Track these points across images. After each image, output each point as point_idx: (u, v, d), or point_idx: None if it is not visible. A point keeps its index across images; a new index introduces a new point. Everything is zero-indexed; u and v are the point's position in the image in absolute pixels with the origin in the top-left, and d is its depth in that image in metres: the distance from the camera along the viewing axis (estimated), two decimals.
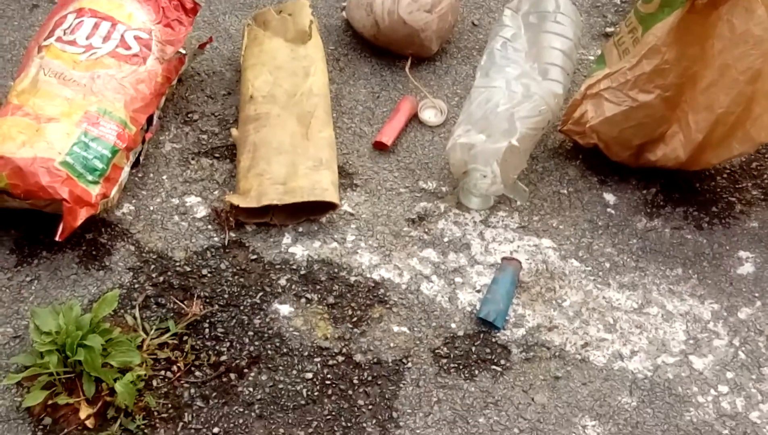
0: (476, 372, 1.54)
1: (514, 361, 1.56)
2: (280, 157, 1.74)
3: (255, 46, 1.92)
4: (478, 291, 1.64)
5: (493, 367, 1.55)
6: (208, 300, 1.60)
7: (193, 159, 1.83)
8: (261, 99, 1.82)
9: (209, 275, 1.64)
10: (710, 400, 1.52)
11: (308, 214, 1.73)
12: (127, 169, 1.72)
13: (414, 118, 1.92)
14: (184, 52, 1.89)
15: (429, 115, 1.93)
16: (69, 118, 1.66)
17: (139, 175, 1.78)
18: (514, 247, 1.71)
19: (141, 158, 1.78)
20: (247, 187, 1.72)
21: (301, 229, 1.73)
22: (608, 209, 1.79)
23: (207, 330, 1.57)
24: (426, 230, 1.74)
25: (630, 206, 1.80)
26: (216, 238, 1.70)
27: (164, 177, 1.79)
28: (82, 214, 1.60)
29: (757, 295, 1.67)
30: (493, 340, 1.58)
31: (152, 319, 1.57)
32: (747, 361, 1.57)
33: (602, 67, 1.79)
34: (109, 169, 1.65)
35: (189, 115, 1.90)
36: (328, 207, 1.72)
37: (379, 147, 1.86)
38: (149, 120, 1.78)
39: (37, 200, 1.60)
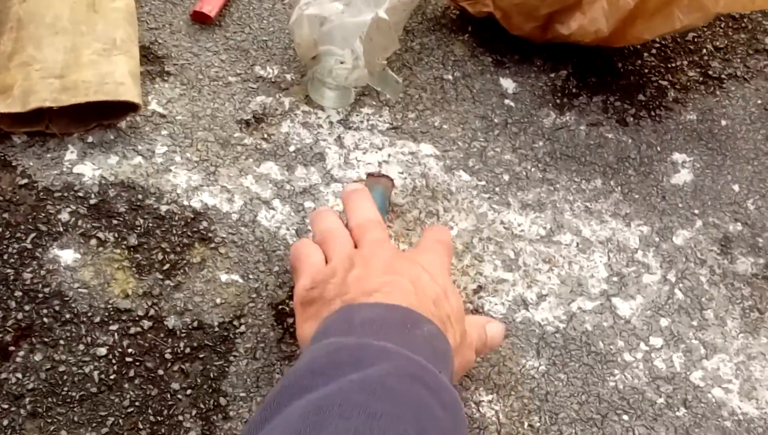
0: None
1: None
2: (55, 38, 1.23)
3: None
4: None
5: None
6: None
7: None
8: None
9: None
10: (640, 357, 1.17)
11: (100, 117, 1.25)
12: None
13: None
14: None
15: None
16: None
17: None
18: (383, 157, 1.28)
19: None
20: (8, 82, 1.21)
21: (91, 139, 1.24)
22: (506, 101, 1.36)
23: None
24: (265, 136, 1.28)
25: (534, 96, 1.37)
26: None
27: None
28: None
29: (696, 211, 1.30)
30: None
31: None
32: (686, 302, 1.22)
33: None
34: None
35: None
36: (127, 108, 1.24)
37: (200, 19, 1.36)
38: None
39: None
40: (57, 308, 1.12)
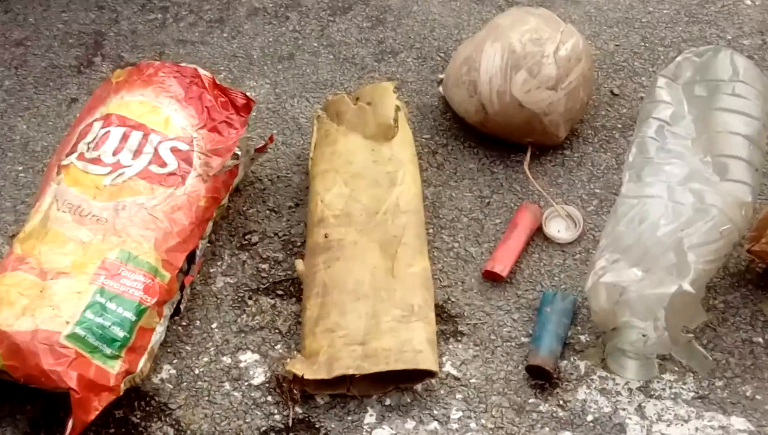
0: None
1: None
2: (357, 304, 1.30)
3: (326, 145, 1.48)
4: None
5: None
6: None
7: (250, 298, 1.41)
8: (333, 220, 1.39)
9: None
10: None
11: (398, 380, 1.28)
12: (160, 328, 1.32)
13: (538, 233, 1.43)
14: (238, 154, 1.47)
15: (557, 229, 1.43)
16: (82, 270, 1.28)
17: (183, 322, 1.38)
18: (690, 430, 1.19)
19: (182, 306, 1.38)
20: (314, 347, 1.28)
21: (389, 402, 1.28)
22: None
23: None
24: (561, 402, 1.25)
25: None
26: (278, 416, 1.27)
27: (214, 325, 1.38)
28: (97, 405, 1.20)
29: None
30: None
31: None
32: None
33: None
34: (133, 337, 1.25)
35: (247, 237, 1.49)
36: (424, 373, 1.26)
37: (491, 277, 1.38)
38: (190, 258, 1.38)
39: (41, 385, 1.23)
40: None
